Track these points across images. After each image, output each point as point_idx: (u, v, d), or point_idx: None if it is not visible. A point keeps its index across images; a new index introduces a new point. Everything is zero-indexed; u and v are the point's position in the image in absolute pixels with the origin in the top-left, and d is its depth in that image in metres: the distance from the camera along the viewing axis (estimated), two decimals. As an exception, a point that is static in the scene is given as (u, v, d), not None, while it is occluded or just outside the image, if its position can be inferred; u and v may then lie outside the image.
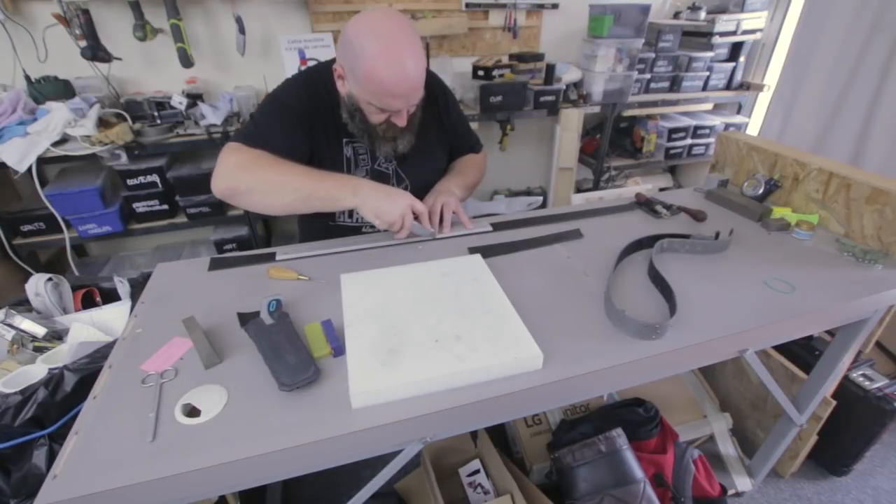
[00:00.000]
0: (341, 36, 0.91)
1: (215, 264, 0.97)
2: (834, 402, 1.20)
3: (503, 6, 2.25)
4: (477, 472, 1.19)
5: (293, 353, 0.69)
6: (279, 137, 0.99)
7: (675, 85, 2.45)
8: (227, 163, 0.94)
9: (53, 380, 0.83)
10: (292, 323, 0.75)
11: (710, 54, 2.39)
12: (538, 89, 2.11)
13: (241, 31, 1.86)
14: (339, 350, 0.72)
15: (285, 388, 0.64)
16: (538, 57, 2.19)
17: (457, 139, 1.25)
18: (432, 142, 1.17)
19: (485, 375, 0.67)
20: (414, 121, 1.04)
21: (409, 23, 0.92)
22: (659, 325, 0.74)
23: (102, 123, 1.69)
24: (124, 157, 1.69)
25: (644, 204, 1.18)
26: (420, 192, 1.10)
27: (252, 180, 0.93)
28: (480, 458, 1.22)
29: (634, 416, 1.18)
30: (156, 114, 1.79)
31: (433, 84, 1.15)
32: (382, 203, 0.92)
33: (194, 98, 1.85)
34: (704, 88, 2.51)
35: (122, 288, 1.16)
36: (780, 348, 1.33)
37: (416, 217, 0.99)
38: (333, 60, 1.03)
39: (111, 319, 1.06)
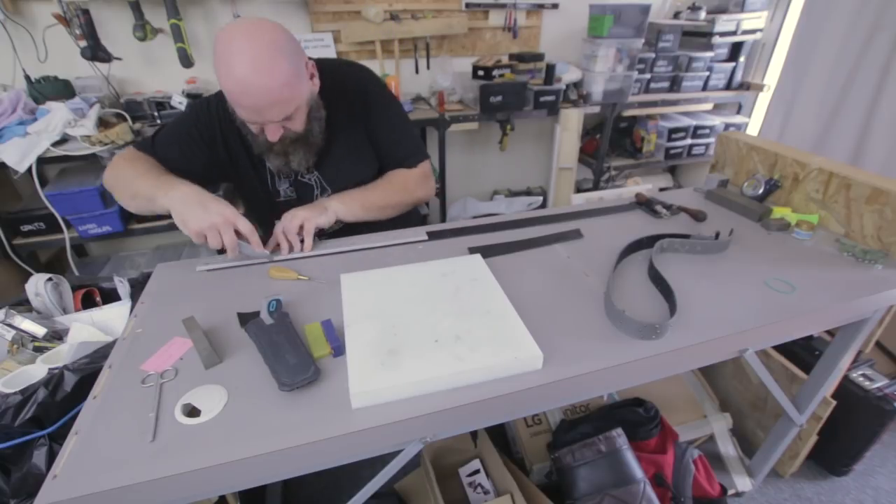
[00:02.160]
0: None
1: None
2: (834, 402, 1.20)
3: (503, 6, 2.25)
4: (477, 472, 1.19)
5: (293, 353, 0.69)
6: (173, 147, 1.03)
7: (675, 85, 2.45)
8: (110, 163, 1.03)
9: (53, 380, 0.83)
10: (292, 323, 0.75)
11: (710, 54, 2.39)
12: (538, 89, 2.11)
13: (241, 31, 1.86)
14: (339, 350, 0.72)
15: (285, 388, 0.64)
16: (538, 57, 2.19)
17: (381, 149, 1.14)
18: (359, 150, 1.12)
19: (485, 375, 0.67)
20: (308, 137, 1.00)
21: (274, 35, 0.85)
22: (659, 325, 0.73)
23: (102, 123, 1.69)
24: (124, 157, 1.69)
25: (644, 204, 1.18)
26: None
27: (111, 178, 1.01)
28: (480, 458, 1.22)
29: (634, 416, 1.18)
30: (156, 114, 1.79)
31: (358, 88, 1.09)
32: (191, 209, 0.85)
33: (194, 98, 1.84)
34: (704, 88, 2.51)
35: (122, 288, 1.15)
36: (780, 348, 1.33)
37: (241, 236, 0.91)
38: None
39: (111, 319, 1.06)
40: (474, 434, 1.30)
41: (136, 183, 0.94)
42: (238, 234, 0.90)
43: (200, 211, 0.85)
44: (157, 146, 1.03)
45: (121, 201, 0.99)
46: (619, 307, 0.76)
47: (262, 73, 0.84)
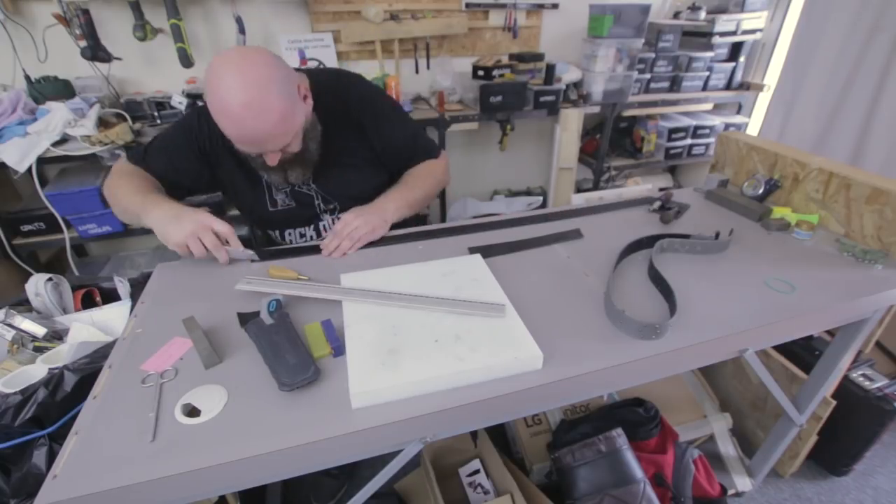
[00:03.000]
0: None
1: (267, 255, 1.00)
2: (834, 402, 1.20)
3: (503, 6, 2.25)
4: (477, 472, 1.19)
5: (293, 353, 0.69)
6: (163, 161, 1.04)
7: (675, 85, 2.45)
8: (109, 177, 1.04)
9: (53, 380, 0.83)
10: (292, 323, 0.75)
11: (710, 54, 2.39)
12: (538, 89, 2.11)
13: (241, 31, 1.86)
14: (339, 350, 0.72)
15: (285, 388, 0.64)
16: (538, 57, 2.19)
17: (397, 154, 1.16)
18: (357, 158, 1.12)
19: (485, 375, 0.67)
20: (304, 155, 1.01)
21: (263, 70, 0.83)
22: (659, 324, 0.74)
23: (102, 123, 1.69)
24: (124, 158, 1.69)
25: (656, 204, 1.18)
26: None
27: (106, 191, 1.03)
28: (480, 458, 1.22)
29: (634, 416, 1.18)
30: (156, 114, 1.79)
31: (350, 98, 1.09)
32: (168, 226, 0.88)
33: (194, 98, 1.84)
34: (704, 88, 2.51)
35: (122, 288, 1.16)
36: (780, 348, 1.33)
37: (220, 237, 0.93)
38: None
39: (111, 319, 1.06)
40: (474, 434, 1.30)
41: (127, 200, 0.97)
42: (218, 236, 0.92)
43: (176, 224, 0.88)
44: (148, 158, 1.05)
45: (116, 215, 1.03)
46: (619, 307, 0.77)
47: (257, 115, 0.83)
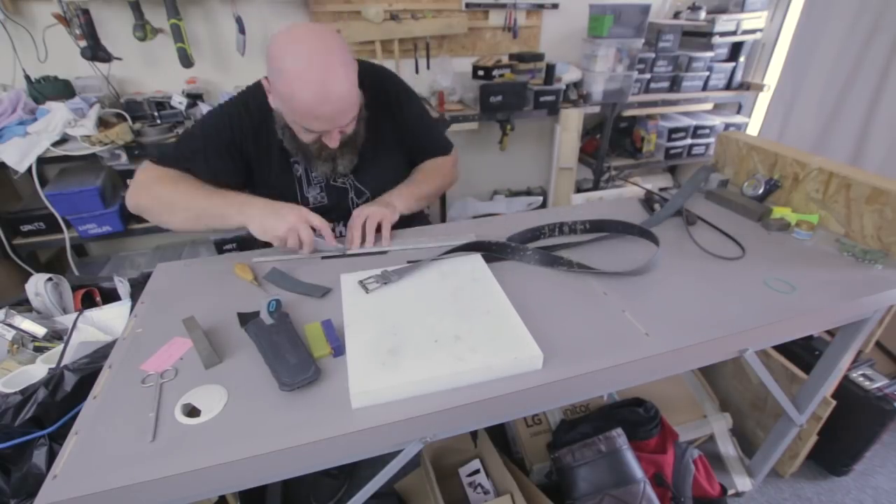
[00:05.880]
0: (267, 49, 0.87)
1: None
2: (834, 402, 1.20)
3: (503, 6, 2.25)
4: (477, 472, 1.19)
5: (293, 353, 0.69)
6: (200, 162, 1.00)
7: (675, 85, 2.45)
8: (135, 181, 0.98)
9: (53, 380, 0.83)
10: (292, 323, 0.75)
11: (710, 54, 2.39)
12: (538, 89, 2.11)
13: (241, 31, 1.86)
14: (339, 350, 0.72)
15: (285, 387, 0.64)
16: (538, 57, 2.19)
17: (418, 143, 1.19)
18: (391, 149, 1.14)
19: (484, 375, 0.67)
20: (356, 139, 1.02)
21: (336, 40, 0.87)
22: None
23: (102, 123, 1.69)
24: (124, 157, 1.69)
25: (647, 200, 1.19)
26: None
27: (149, 199, 0.96)
28: (480, 458, 1.22)
29: (634, 416, 1.18)
30: (156, 114, 1.79)
31: (389, 87, 1.11)
32: (267, 219, 0.90)
33: (194, 98, 1.84)
34: (704, 88, 2.51)
35: (122, 288, 1.16)
36: (780, 348, 1.33)
37: (318, 232, 0.95)
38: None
39: (111, 319, 1.06)
40: (474, 434, 1.30)
41: (197, 203, 0.94)
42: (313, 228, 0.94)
43: (276, 218, 0.90)
44: (181, 160, 1.00)
45: (163, 222, 0.97)
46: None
47: (338, 81, 0.85)
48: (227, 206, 0.93)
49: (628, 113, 2.43)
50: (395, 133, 1.13)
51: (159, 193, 0.96)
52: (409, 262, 0.92)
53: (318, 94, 0.84)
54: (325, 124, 0.91)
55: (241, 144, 1.03)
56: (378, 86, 1.08)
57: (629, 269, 0.89)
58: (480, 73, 2.09)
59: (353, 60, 0.91)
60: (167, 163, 1.00)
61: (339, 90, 0.86)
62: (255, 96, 1.02)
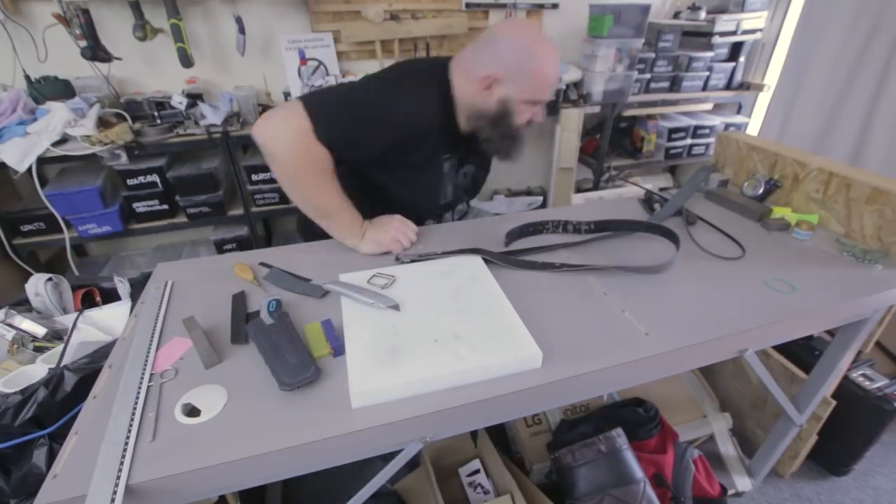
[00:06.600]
0: (485, 46, 0.96)
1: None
2: (834, 402, 1.20)
3: (503, 6, 2.25)
4: (477, 472, 1.19)
5: (293, 352, 0.69)
6: (345, 147, 0.93)
7: (675, 85, 2.45)
8: (284, 141, 0.88)
9: (53, 380, 0.83)
10: (292, 323, 0.75)
11: (710, 54, 2.39)
12: (538, 89, 2.11)
13: (241, 31, 1.86)
14: (338, 350, 0.72)
15: (286, 387, 0.64)
16: (538, 57, 2.18)
17: None
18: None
19: (484, 375, 0.67)
20: None
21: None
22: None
23: (102, 123, 1.69)
24: (124, 157, 1.69)
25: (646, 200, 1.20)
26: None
27: (286, 177, 0.93)
28: (480, 458, 1.22)
29: (634, 416, 1.18)
30: (156, 114, 1.79)
31: None
32: (377, 234, 1.00)
33: (194, 98, 1.84)
34: (704, 88, 2.50)
35: (122, 288, 1.16)
36: (780, 348, 1.33)
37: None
38: (436, 74, 1.01)
39: (111, 319, 1.06)
40: (474, 434, 1.30)
41: (326, 209, 0.99)
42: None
43: (384, 231, 1.01)
44: (332, 140, 0.90)
45: (282, 186, 0.97)
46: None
47: (558, 59, 1.01)
48: (350, 229, 1.00)
49: (628, 113, 2.43)
50: None
51: (298, 181, 0.93)
52: (408, 261, 0.94)
53: (555, 69, 1.00)
54: (550, 94, 1.03)
55: (404, 140, 0.98)
56: None
57: (646, 266, 0.91)
58: (480, 73, 2.08)
59: None
60: (320, 133, 0.89)
61: (559, 66, 1.02)
62: (439, 91, 1.00)
